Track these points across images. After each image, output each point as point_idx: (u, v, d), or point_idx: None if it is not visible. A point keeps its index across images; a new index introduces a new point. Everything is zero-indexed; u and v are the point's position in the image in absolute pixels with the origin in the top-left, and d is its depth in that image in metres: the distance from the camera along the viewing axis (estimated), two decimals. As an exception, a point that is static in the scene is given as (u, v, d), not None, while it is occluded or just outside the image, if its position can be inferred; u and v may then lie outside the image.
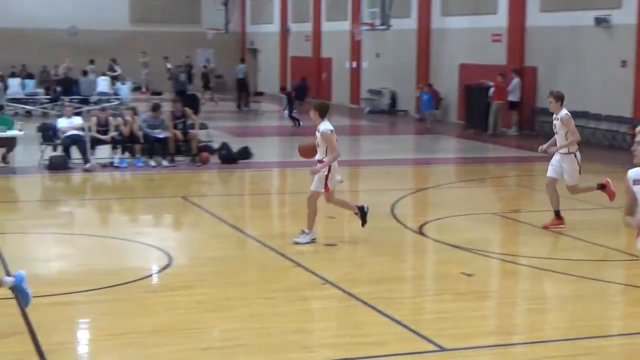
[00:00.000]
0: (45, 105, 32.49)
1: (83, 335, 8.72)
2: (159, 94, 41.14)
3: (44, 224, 14.06)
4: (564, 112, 13.22)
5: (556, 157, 13.33)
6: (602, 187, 13.60)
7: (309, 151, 12.54)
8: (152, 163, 20.01)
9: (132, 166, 19.82)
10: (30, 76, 36.03)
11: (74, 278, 10.56)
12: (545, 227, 13.31)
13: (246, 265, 11.44)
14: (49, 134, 20.06)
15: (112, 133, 20.07)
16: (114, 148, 20.33)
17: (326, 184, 12.06)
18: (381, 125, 32.38)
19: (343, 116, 36.67)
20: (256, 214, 15.57)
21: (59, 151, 19.71)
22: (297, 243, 12.13)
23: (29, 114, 31.69)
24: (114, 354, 7.88)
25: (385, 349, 7.96)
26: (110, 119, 20.65)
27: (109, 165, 19.80)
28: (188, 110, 21.29)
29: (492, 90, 27.90)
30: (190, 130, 20.66)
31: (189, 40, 47.96)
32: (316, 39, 42.92)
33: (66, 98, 30.86)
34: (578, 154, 13.31)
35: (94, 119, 20.61)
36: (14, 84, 33.57)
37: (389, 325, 8.66)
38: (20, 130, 19.47)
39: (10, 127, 19.39)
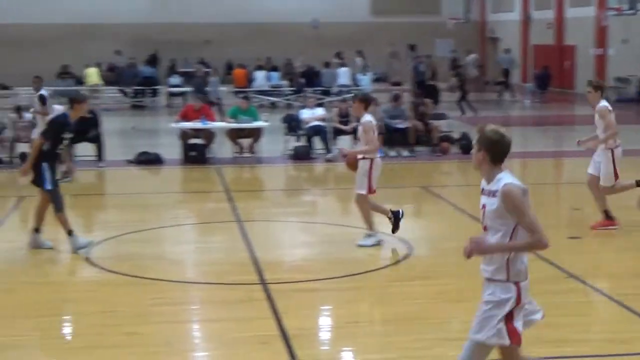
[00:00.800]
0: (289, 97, 33.43)
1: (324, 322, 8.90)
2: (398, 84, 41.32)
3: (288, 212, 14.47)
4: (603, 103, 12.07)
5: (597, 153, 12.24)
6: None
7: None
8: (392, 153, 20.14)
9: (373, 156, 19.99)
10: (275, 69, 37.08)
11: (316, 265, 10.80)
12: (593, 228, 12.23)
13: (486, 256, 11.25)
14: (292, 124, 20.61)
15: (353, 124, 20.34)
16: (355, 138, 20.59)
17: (370, 185, 11.56)
18: (628, 114, 31.00)
19: (588, 105, 35.48)
20: (496, 205, 15.28)
21: (302, 141, 20.21)
22: (361, 245, 11.54)
23: (273, 105, 32.69)
24: (353, 342, 7.96)
25: (635, 347, 7.58)
26: (351, 109, 20.94)
27: (350, 155, 20.07)
28: (427, 101, 21.29)
29: None
30: (431, 121, 20.65)
31: (428, 30, 47.90)
32: (559, 26, 41.73)
33: (309, 89, 31.64)
34: (618, 150, 12.07)
35: (336, 109, 20.99)
36: (260, 76, 34.69)
37: (638, 322, 8.26)
38: (266, 121, 20.13)
39: (256, 118, 20.09)
